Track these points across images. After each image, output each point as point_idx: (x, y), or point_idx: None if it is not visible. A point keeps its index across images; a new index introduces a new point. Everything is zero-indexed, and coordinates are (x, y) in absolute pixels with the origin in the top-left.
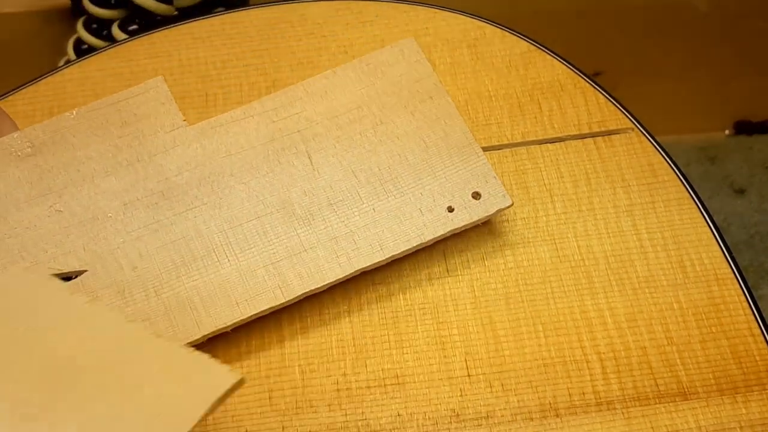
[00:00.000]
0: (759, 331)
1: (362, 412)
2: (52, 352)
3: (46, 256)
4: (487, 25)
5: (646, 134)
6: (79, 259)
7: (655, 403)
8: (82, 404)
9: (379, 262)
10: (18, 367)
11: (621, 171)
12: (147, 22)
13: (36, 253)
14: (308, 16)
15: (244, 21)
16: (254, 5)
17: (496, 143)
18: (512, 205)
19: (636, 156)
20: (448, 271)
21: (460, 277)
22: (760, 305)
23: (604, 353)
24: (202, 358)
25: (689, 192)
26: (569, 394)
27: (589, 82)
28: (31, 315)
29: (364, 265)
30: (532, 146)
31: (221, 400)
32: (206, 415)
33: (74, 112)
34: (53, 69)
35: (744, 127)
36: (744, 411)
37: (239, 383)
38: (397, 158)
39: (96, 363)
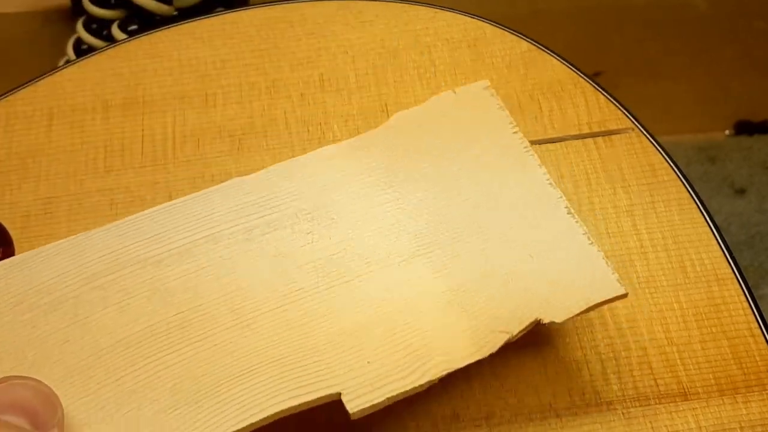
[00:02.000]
0: (759, 331)
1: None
2: (473, 181)
3: None
4: (487, 25)
5: (646, 134)
6: None
7: (655, 404)
8: (477, 246)
9: None
10: (453, 197)
11: (621, 171)
12: (147, 22)
13: None
14: (308, 16)
15: (244, 21)
16: (254, 5)
17: None
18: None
19: (636, 156)
20: None
21: None
22: (760, 305)
23: (604, 353)
24: (599, 256)
25: (689, 192)
26: (569, 395)
27: (589, 82)
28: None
29: None
30: (532, 146)
31: (598, 305)
32: (579, 314)
33: None
34: (53, 69)
35: (744, 127)
36: (744, 411)
37: (621, 296)
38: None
39: (504, 210)
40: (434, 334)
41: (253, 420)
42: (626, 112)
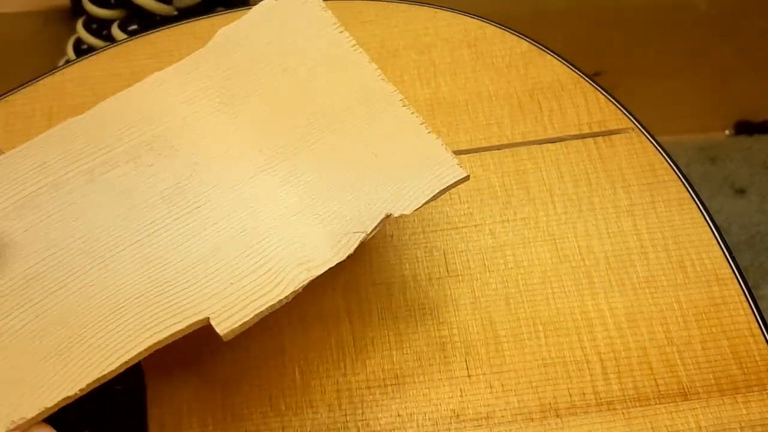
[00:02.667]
0: (759, 331)
1: (362, 412)
2: (306, 87)
3: None
4: (488, 25)
5: (646, 134)
6: None
7: (656, 404)
8: (321, 152)
9: None
10: (277, 94)
11: (621, 171)
12: (147, 22)
13: None
14: None
15: None
16: (254, 5)
17: (496, 143)
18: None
19: (636, 156)
20: (448, 271)
21: (460, 277)
22: (760, 305)
23: (604, 353)
24: (437, 144)
25: (689, 192)
26: (569, 395)
27: (589, 82)
28: (301, 43)
29: None
30: (532, 146)
31: (443, 192)
32: (427, 202)
33: None
34: (53, 69)
35: (744, 127)
36: (744, 411)
37: (464, 179)
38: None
39: (342, 112)
40: (291, 245)
41: (127, 358)
42: (626, 112)
